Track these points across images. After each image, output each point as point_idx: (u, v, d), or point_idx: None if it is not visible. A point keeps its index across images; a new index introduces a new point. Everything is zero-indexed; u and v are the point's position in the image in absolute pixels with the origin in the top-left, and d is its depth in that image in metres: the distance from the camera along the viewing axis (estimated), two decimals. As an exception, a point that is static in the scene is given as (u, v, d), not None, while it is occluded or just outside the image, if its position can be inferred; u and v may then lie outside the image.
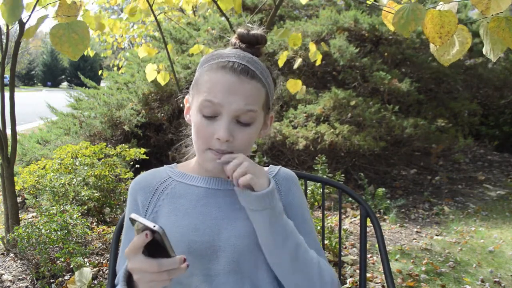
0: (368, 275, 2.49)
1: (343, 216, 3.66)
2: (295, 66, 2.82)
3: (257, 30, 0.90)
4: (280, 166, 1.02)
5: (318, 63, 2.70)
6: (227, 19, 2.42)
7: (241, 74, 0.82)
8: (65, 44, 1.01)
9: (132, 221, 0.69)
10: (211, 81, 0.83)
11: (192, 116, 0.89)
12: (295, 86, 2.41)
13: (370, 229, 3.19)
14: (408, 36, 1.33)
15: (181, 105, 0.93)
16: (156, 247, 0.68)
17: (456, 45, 1.11)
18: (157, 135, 4.54)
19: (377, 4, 1.43)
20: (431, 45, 1.17)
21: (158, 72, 2.64)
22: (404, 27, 1.09)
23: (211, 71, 0.84)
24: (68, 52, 1.03)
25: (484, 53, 1.11)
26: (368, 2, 1.77)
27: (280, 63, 2.58)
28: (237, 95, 0.82)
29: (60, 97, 7.10)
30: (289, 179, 0.98)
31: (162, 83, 2.68)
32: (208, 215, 0.88)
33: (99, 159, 2.98)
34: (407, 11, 1.09)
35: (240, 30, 0.90)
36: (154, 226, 0.66)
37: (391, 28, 1.33)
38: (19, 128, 7.41)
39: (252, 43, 0.89)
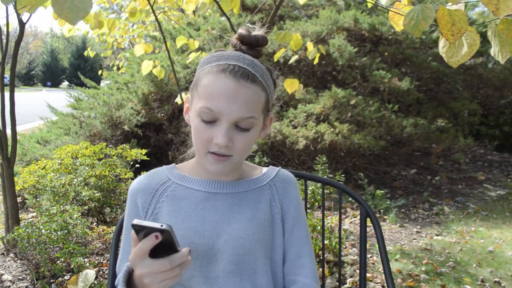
0: (368, 275, 2.49)
1: (343, 216, 3.66)
2: (291, 61, 2.85)
3: (258, 31, 0.89)
4: (280, 167, 1.01)
5: (315, 61, 2.71)
6: (228, 19, 2.42)
7: (241, 78, 0.81)
8: (65, 10, 0.99)
9: (136, 227, 0.68)
10: (210, 86, 0.82)
11: (191, 118, 0.88)
12: (292, 85, 2.41)
13: (370, 229, 3.19)
14: (419, 36, 1.34)
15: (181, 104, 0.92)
16: (159, 246, 0.68)
17: (465, 47, 1.12)
18: (157, 135, 4.54)
19: (382, 5, 1.43)
20: (440, 47, 1.18)
21: (154, 67, 2.65)
22: (415, 27, 1.10)
23: (210, 74, 0.83)
24: (67, 17, 1.00)
25: (492, 54, 1.11)
26: (368, 2, 1.77)
27: (275, 58, 2.59)
28: (236, 103, 0.80)
29: (60, 97, 7.11)
30: (287, 182, 0.98)
31: (159, 77, 2.70)
32: (207, 218, 0.88)
33: (99, 159, 2.98)
34: (417, 11, 1.10)
35: (241, 31, 0.88)
36: (162, 226, 0.66)
37: (399, 29, 1.34)
38: (19, 128, 7.41)
39: (252, 45, 0.87)
